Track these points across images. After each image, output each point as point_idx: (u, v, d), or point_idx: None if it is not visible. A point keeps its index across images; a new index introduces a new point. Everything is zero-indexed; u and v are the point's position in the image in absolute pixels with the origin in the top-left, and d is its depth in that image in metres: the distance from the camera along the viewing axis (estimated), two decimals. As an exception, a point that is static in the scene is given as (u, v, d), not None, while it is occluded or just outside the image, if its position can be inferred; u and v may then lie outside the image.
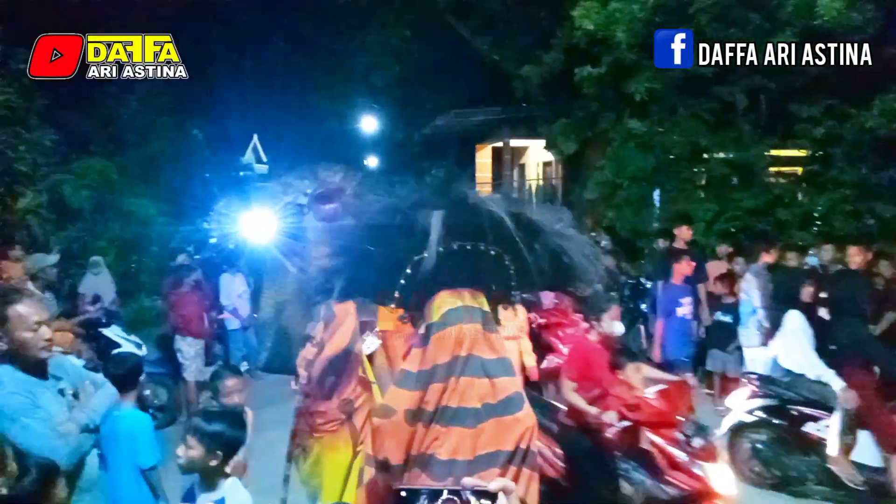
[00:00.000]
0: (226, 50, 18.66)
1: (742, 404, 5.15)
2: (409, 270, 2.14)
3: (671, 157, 10.25)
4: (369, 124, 21.19)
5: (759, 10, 8.86)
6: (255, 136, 26.89)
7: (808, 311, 5.72)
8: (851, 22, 7.70)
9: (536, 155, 16.76)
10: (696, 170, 10.38)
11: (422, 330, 2.19)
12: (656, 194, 10.49)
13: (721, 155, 9.97)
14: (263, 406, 4.51)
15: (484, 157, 18.01)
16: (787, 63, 8.48)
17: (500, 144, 16.42)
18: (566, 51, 11.25)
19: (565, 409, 4.20)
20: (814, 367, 4.88)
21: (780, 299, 5.82)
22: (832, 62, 8.46)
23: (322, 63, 17.88)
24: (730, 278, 6.90)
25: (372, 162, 23.07)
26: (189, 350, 6.43)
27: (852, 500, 4.61)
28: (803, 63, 8.58)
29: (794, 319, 5.14)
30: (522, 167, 18.13)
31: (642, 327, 7.46)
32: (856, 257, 5.79)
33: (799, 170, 9.73)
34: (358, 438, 3.00)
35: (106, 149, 12.26)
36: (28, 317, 2.52)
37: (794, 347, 5.05)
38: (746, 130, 9.72)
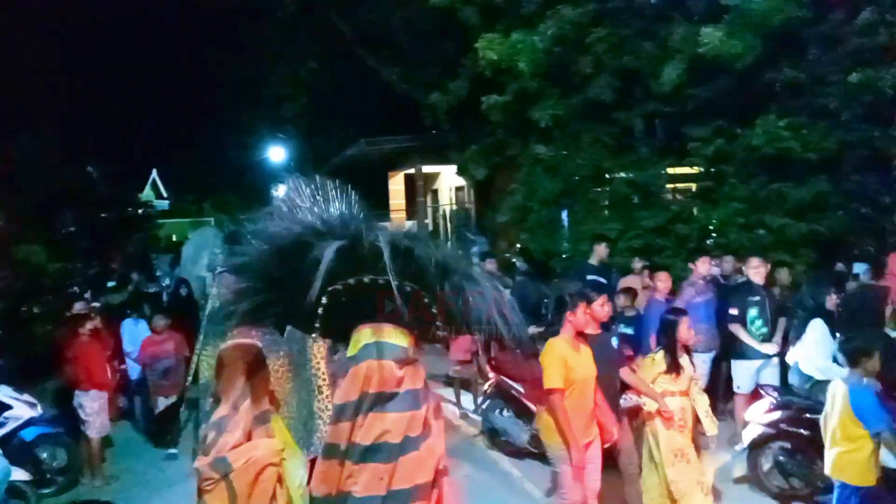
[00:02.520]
0: (121, 80, 17.85)
1: (761, 417, 5.12)
2: (325, 300, 2.10)
3: (577, 179, 10.65)
4: (279, 155, 20.80)
5: (651, 38, 9.46)
6: (154, 171, 25.74)
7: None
8: (732, 49, 8.33)
9: (449, 180, 16.99)
10: (599, 191, 10.83)
11: (343, 361, 2.19)
12: (565, 215, 10.87)
13: (623, 176, 10.46)
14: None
15: (397, 184, 18.07)
16: (677, 88, 9.18)
17: (412, 171, 16.54)
18: (472, 79, 11.57)
19: None
20: (827, 372, 4.97)
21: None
22: (718, 86, 9.28)
23: (228, 94, 17.45)
24: (632, 292, 7.18)
25: (282, 192, 22.57)
26: (91, 405, 5.93)
27: None
28: (693, 88, 9.35)
29: (817, 327, 5.17)
30: (435, 192, 18.32)
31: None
32: (760, 269, 6.20)
33: (694, 187, 10.36)
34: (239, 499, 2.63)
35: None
36: None
37: (815, 354, 5.10)
38: (645, 152, 10.25)
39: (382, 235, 2.17)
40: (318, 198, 2.33)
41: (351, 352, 2.15)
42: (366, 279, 2.13)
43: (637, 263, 8.23)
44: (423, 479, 2.06)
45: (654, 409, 4.39)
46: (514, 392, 6.17)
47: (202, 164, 20.60)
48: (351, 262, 2.11)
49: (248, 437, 2.71)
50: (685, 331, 4.48)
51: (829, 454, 3.79)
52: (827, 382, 4.77)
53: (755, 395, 5.65)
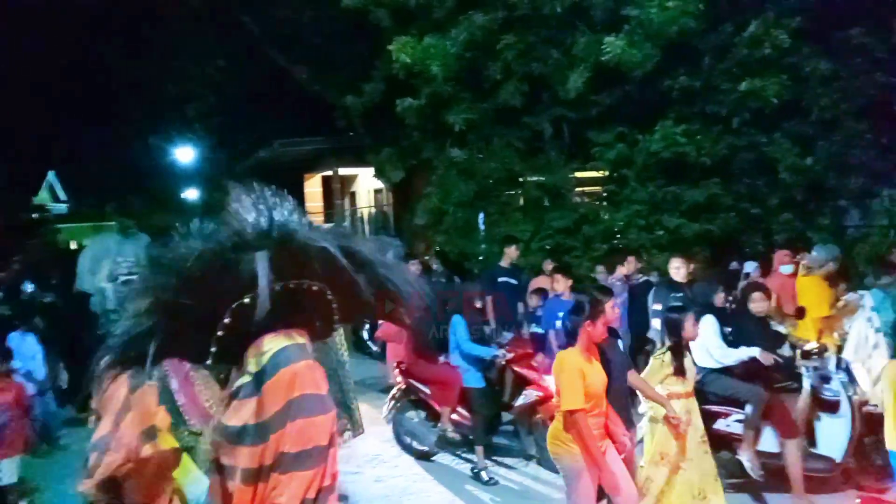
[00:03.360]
0: (11, 77, 16.63)
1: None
2: (227, 320, 1.98)
3: (490, 182, 10.84)
4: (187, 156, 19.97)
5: (557, 46, 9.75)
6: (51, 173, 24.09)
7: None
8: (632, 58, 8.72)
9: (366, 183, 16.87)
10: (512, 193, 11.07)
11: (242, 380, 2.01)
12: (480, 218, 11.04)
13: (534, 179, 10.74)
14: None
15: (313, 187, 17.77)
16: (582, 94, 9.51)
17: (329, 173, 16.31)
18: (386, 82, 11.54)
19: None
20: (730, 354, 5.09)
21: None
22: (620, 93, 9.69)
23: (130, 92, 16.59)
24: (543, 292, 7.38)
25: (192, 195, 21.73)
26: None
27: (754, 488, 4.98)
28: (596, 94, 9.72)
29: (709, 323, 5.30)
30: (353, 195, 18.15)
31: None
32: (681, 268, 6.46)
33: (600, 189, 10.77)
34: None
35: None
36: None
37: (711, 346, 5.21)
38: (553, 156, 10.58)
39: (305, 236, 2.12)
40: (259, 207, 2.23)
41: (254, 367, 1.98)
42: (277, 286, 2.07)
43: (548, 265, 8.44)
44: (337, 468, 2.06)
45: (661, 415, 4.28)
46: (421, 395, 6.19)
47: (104, 166, 19.47)
48: (275, 269, 1.99)
49: (136, 455, 2.57)
50: (691, 328, 4.37)
51: (887, 427, 3.95)
52: (717, 371, 5.17)
53: None
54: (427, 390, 6.18)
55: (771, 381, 5.10)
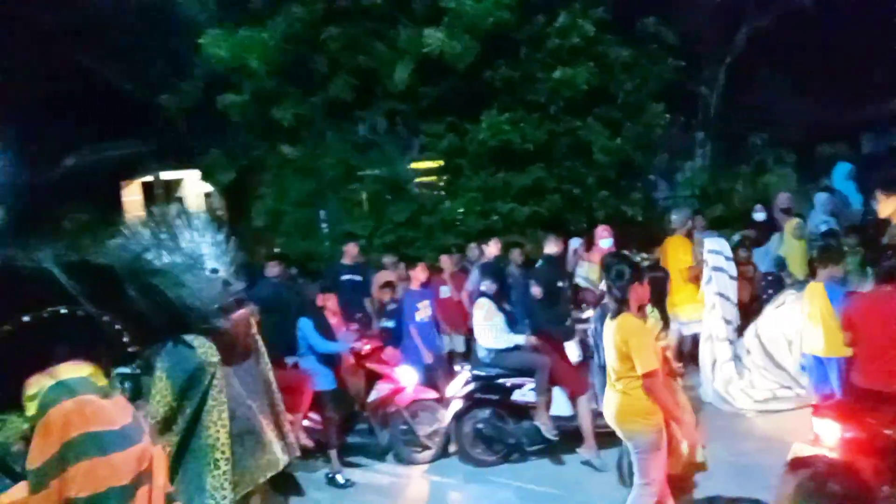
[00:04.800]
0: None
1: (459, 391, 5.53)
2: None
3: (328, 179, 10.60)
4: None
5: (381, 39, 9.70)
6: None
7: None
8: (453, 50, 8.91)
9: (195, 186, 15.79)
10: (352, 188, 10.93)
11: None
12: (322, 216, 10.78)
13: (372, 173, 10.67)
14: None
15: (133, 194, 16.26)
16: (410, 86, 9.58)
17: (150, 179, 15.05)
18: (206, 79, 10.84)
19: None
20: (503, 339, 5.51)
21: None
22: (446, 85, 9.88)
23: None
24: (391, 285, 7.39)
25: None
26: None
27: (554, 450, 5.40)
28: (424, 86, 9.83)
29: (482, 306, 5.63)
30: (181, 200, 16.89)
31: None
32: (491, 249, 6.84)
33: (437, 179, 10.96)
34: None
35: None
36: None
37: (488, 328, 5.57)
38: (390, 149, 10.57)
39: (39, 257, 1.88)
40: None
41: (30, 411, 1.83)
42: (45, 314, 1.84)
43: (387, 259, 8.42)
44: None
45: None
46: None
47: None
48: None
49: None
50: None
51: (817, 337, 4.43)
52: (508, 350, 5.51)
53: None
54: None
55: (556, 346, 5.66)
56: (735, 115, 11.89)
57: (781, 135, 11.78)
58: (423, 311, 6.65)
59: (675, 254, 7.17)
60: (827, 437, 3.71)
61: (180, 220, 3.13)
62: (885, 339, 4.09)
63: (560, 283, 6.81)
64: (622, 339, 3.70)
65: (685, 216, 7.54)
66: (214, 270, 3.29)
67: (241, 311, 3.54)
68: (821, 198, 8.11)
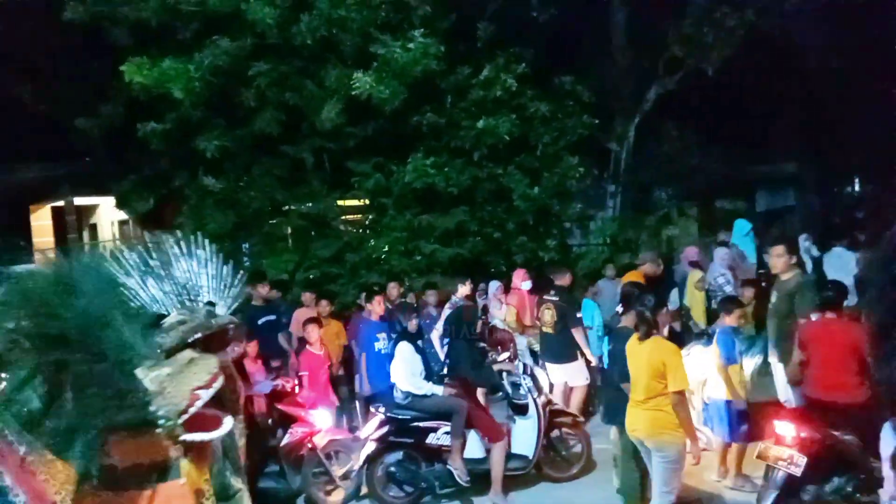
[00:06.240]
0: None
1: (373, 433, 5.48)
2: None
3: (251, 212, 10.50)
4: None
5: (311, 77, 9.84)
6: None
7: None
8: (381, 94, 9.16)
9: (109, 213, 15.17)
10: (275, 222, 10.85)
11: None
12: (245, 249, 10.61)
13: (297, 208, 10.65)
14: None
15: (42, 219, 15.47)
16: (338, 125, 9.74)
17: (61, 204, 14.38)
18: (130, 104, 10.59)
19: None
20: (421, 386, 5.53)
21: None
22: (374, 126, 10.11)
23: None
24: (317, 322, 7.32)
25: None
26: None
27: (462, 494, 5.43)
28: (352, 126, 10.01)
29: (403, 348, 5.66)
30: (94, 227, 16.19)
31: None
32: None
33: (362, 217, 11.07)
34: None
35: None
36: None
37: (405, 371, 5.58)
38: (316, 185, 10.61)
39: None
40: None
41: None
42: None
43: (307, 295, 8.26)
44: None
45: None
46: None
47: None
48: None
49: None
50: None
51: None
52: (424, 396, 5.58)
53: None
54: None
55: (474, 390, 5.78)
56: (643, 169, 12.74)
57: (684, 189, 12.71)
58: (382, 343, 6.66)
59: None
60: (786, 436, 4.30)
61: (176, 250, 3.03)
62: (830, 357, 4.60)
63: (473, 326, 6.99)
64: (659, 359, 4.11)
65: (652, 256, 7.90)
66: (211, 304, 3.16)
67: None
68: (719, 252, 8.74)
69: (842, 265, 8.18)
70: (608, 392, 5.09)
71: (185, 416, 2.20)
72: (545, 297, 7.02)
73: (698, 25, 11.35)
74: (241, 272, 3.31)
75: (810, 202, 15.76)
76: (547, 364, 6.88)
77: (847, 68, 12.87)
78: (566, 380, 6.84)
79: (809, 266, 8.91)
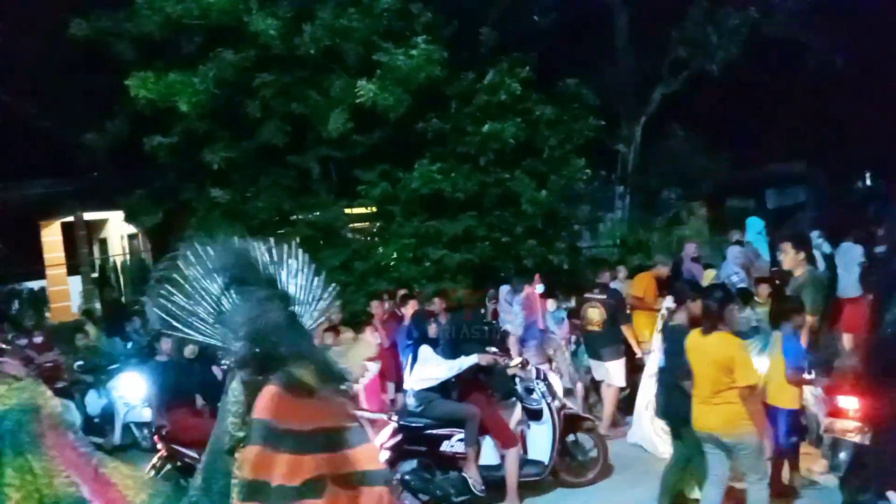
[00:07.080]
0: None
1: (386, 442, 5.36)
2: None
3: (259, 223, 10.50)
4: None
5: (315, 87, 9.86)
6: None
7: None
8: (386, 102, 9.16)
9: (118, 228, 15.26)
10: (283, 232, 10.83)
11: None
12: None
13: (304, 217, 10.66)
14: None
15: (52, 235, 15.55)
16: (344, 134, 9.74)
17: (71, 219, 14.45)
18: (135, 118, 10.65)
19: None
20: (451, 368, 5.32)
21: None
22: (379, 134, 10.11)
23: None
24: (336, 330, 7.30)
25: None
26: None
27: (480, 501, 5.28)
28: (358, 134, 10.01)
29: (425, 351, 5.49)
30: (103, 242, 16.27)
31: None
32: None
33: (369, 225, 11.06)
34: None
35: None
36: None
37: (427, 372, 5.41)
38: (323, 194, 10.62)
39: None
40: None
41: None
42: None
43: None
44: None
45: None
46: (187, 460, 5.71)
47: None
48: None
49: None
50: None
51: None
52: (432, 393, 5.42)
53: None
54: (195, 454, 5.70)
55: (487, 396, 5.64)
56: (650, 170, 12.68)
57: (693, 189, 12.62)
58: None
59: (638, 286, 7.46)
60: (849, 409, 4.44)
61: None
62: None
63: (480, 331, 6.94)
64: (726, 354, 4.01)
65: (664, 259, 8.00)
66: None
67: None
68: (732, 251, 8.68)
69: (850, 259, 8.10)
70: (664, 391, 4.90)
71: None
72: (588, 295, 7.04)
73: (702, 26, 11.32)
74: (334, 285, 3.16)
75: (821, 199, 15.64)
76: (591, 361, 6.98)
77: (852, 64, 12.79)
78: (605, 378, 6.84)
79: (821, 262, 8.82)
